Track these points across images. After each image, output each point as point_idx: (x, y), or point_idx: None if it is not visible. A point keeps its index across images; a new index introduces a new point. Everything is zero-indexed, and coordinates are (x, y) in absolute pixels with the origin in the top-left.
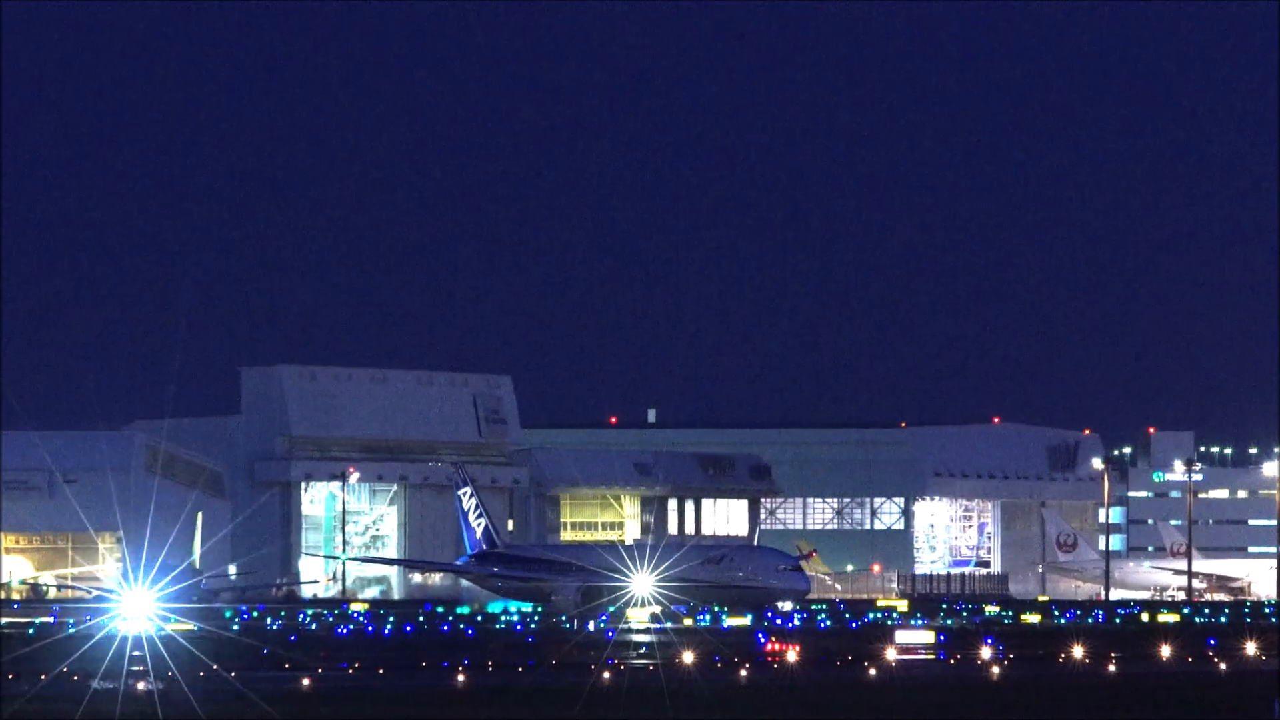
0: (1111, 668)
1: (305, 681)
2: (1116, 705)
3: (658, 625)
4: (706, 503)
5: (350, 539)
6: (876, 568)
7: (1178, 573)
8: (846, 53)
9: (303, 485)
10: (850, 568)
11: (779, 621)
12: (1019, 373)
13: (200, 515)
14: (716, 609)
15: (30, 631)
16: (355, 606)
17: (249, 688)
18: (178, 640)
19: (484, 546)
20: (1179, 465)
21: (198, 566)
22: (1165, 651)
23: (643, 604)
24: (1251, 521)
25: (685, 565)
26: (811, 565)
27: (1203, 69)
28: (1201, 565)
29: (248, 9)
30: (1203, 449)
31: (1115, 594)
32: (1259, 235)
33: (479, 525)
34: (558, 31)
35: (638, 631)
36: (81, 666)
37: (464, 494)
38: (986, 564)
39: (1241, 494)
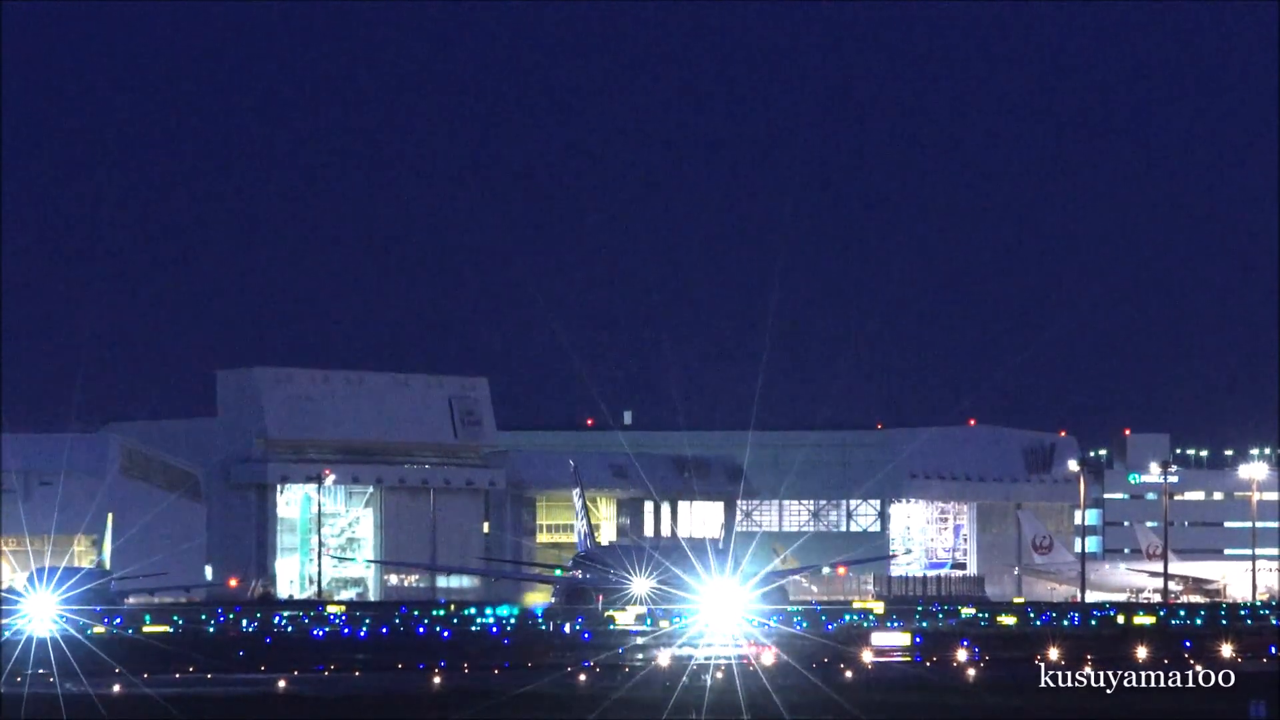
0: (1089, 669)
1: (286, 684)
2: (1097, 706)
3: (634, 630)
4: (682, 505)
5: (326, 541)
6: (842, 570)
7: (1154, 575)
8: (825, 54)
9: (279, 487)
10: (826, 570)
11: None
12: (995, 375)
13: (110, 515)
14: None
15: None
16: (331, 609)
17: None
18: (86, 644)
19: (586, 547)
20: (1155, 467)
21: (107, 567)
22: (1141, 653)
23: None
24: (1227, 524)
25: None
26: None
27: (1202, 69)
28: (1177, 567)
29: (224, 9)
30: (1179, 451)
31: (1091, 596)
32: (1239, 238)
33: (581, 526)
34: (536, 33)
35: (618, 633)
36: None
37: (575, 494)
38: (962, 566)
39: (1217, 496)
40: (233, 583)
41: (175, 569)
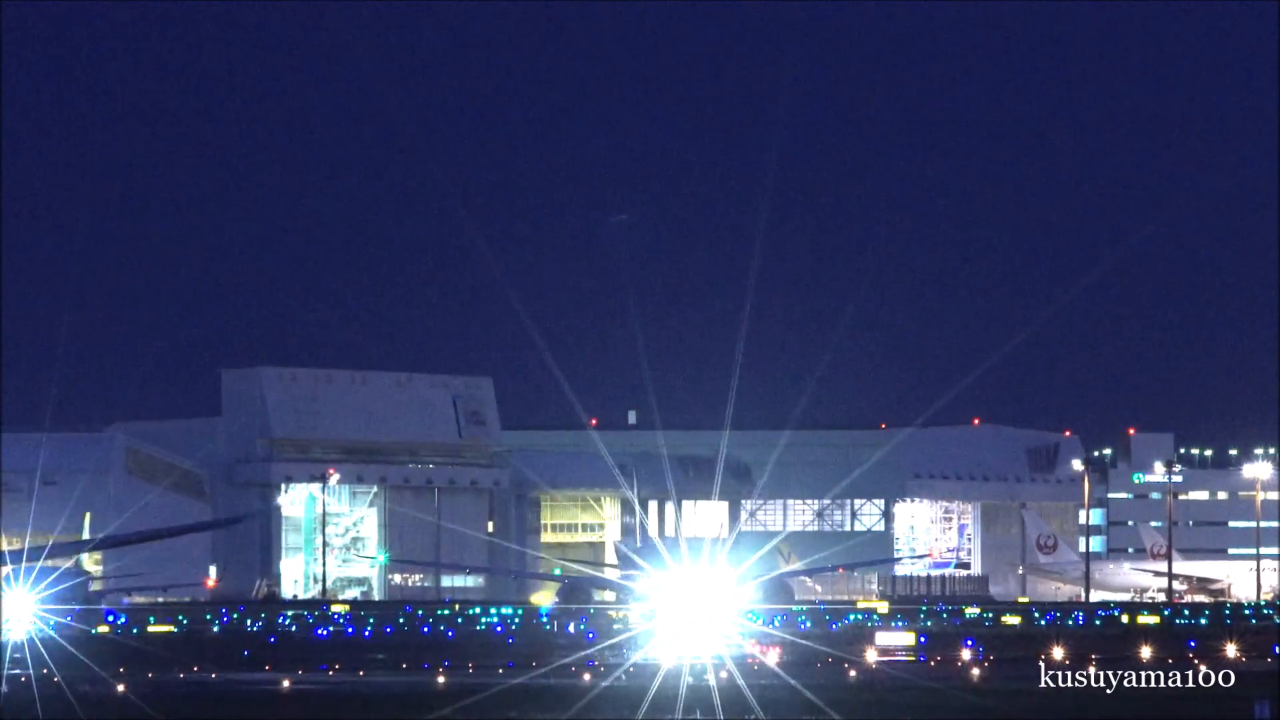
0: (1091, 669)
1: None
2: (1100, 707)
3: (638, 629)
4: (687, 504)
5: (330, 540)
6: (841, 568)
7: (1158, 574)
8: (822, 52)
9: (283, 487)
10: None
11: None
12: (999, 374)
13: (88, 515)
14: None
15: None
16: (336, 608)
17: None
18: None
19: (633, 544)
20: (1159, 467)
21: (85, 567)
22: (1145, 653)
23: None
24: (1231, 523)
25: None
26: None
27: (1202, 69)
28: (1181, 567)
29: (226, 10)
30: (1183, 451)
31: (1095, 595)
32: (1243, 238)
33: (634, 524)
34: (538, 31)
35: (622, 634)
36: None
37: (629, 493)
38: (967, 565)
39: (1221, 496)
40: (210, 583)
41: (179, 568)
